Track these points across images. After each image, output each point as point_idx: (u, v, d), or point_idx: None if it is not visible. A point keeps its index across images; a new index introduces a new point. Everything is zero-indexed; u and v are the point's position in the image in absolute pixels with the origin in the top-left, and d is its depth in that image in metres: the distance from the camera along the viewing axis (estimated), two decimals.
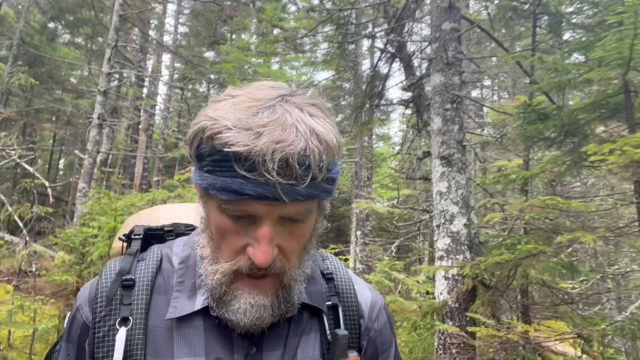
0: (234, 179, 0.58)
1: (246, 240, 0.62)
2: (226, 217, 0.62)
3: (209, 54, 18.71)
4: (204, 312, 0.69)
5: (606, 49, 2.66)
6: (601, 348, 2.90)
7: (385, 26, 6.53)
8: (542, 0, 3.85)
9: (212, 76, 16.52)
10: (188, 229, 0.90)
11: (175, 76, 15.42)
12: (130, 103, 13.01)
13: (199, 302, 0.69)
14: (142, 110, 13.09)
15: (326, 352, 0.74)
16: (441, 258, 4.15)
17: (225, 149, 0.56)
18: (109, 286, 0.72)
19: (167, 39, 16.79)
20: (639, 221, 2.93)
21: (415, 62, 6.76)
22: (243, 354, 0.69)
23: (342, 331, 0.73)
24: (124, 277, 0.72)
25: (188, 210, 1.03)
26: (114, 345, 0.67)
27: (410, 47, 6.66)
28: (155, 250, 0.79)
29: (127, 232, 0.88)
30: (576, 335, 2.60)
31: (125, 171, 14.60)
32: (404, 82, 6.18)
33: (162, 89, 16.27)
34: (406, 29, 6.59)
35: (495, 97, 20.60)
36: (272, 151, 0.55)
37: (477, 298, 3.84)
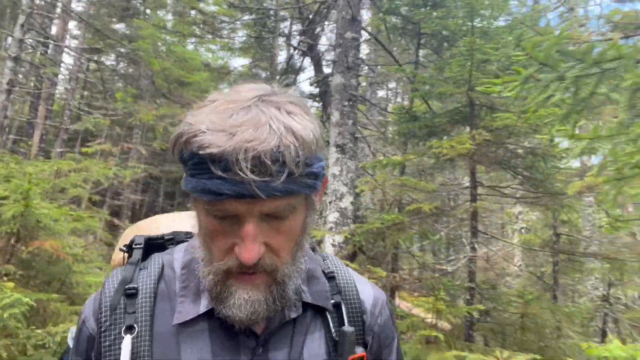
0: (212, 180, 0.59)
1: (233, 240, 0.64)
2: (212, 218, 0.64)
3: (119, 26, 17.99)
4: (209, 314, 0.70)
5: (453, 71, 3.60)
6: (442, 294, 3.90)
7: (300, 26, 7.24)
8: (421, 25, 4.80)
9: (122, 50, 15.98)
10: (188, 237, 0.89)
11: (81, 45, 14.74)
12: (31, 70, 12.29)
13: (203, 305, 0.70)
14: (44, 79, 12.44)
15: (332, 350, 0.75)
16: (330, 229, 4.98)
17: (200, 152, 0.58)
18: (112, 296, 0.73)
19: (75, 5, 15.92)
20: (469, 201, 3.97)
21: (325, 61, 7.57)
22: (249, 354, 0.70)
23: (349, 328, 0.75)
24: (127, 286, 0.73)
25: (187, 218, 0.99)
26: (120, 353, 0.68)
27: (321, 48, 7.45)
28: (156, 258, 0.79)
29: (127, 242, 0.88)
30: (417, 280, 3.54)
31: (22, 140, 13.74)
32: (312, 79, 6.96)
33: (66, 58, 15.43)
34: (318, 30, 7.36)
35: (399, 99, 22.47)
36: (245, 150, 0.57)
37: (355, 262, 4.74)
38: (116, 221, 13.34)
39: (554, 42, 1.15)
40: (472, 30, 3.68)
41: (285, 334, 0.73)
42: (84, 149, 8.72)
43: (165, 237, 0.89)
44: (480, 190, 5.05)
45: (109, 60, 18.68)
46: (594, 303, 8.24)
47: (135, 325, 0.70)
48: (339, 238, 4.92)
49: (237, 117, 0.60)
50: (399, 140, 5.12)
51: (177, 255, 0.79)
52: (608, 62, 1.05)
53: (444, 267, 5.86)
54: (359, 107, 6.99)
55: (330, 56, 7.31)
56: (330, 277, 0.82)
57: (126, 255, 0.86)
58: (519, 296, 4.87)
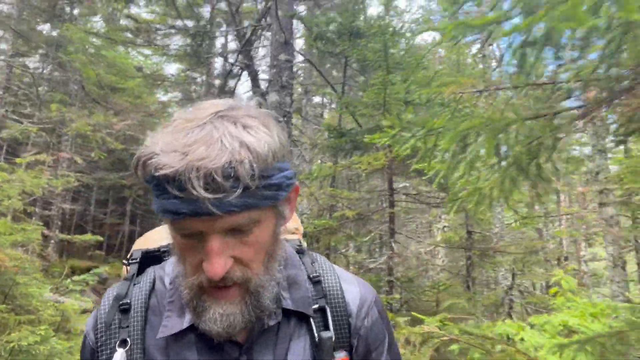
0: (170, 200, 0.61)
1: (200, 256, 0.65)
2: (179, 236, 0.66)
3: (44, 27, 17.22)
4: (195, 326, 0.71)
5: (370, 98, 4.26)
6: None
7: (237, 42, 7.67)
8: (347, 52, 5.45)
9: (46, 52, 15.33)
10: None
11: (7, 48, 14.11)
12: None
13: (187, 320, 0.73)
14: None
15: (315, 355, 0.75)
16: None
17: (156, 174, 0.60)
18: (107, 312, 0.77)
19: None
20: (388, 206, 4.65)
21: (261, 78, 8.06)
22: None
23: (326, 334, 0.76)
24: (121, 302, 0.77)
25: None
26: None
27: (259, 59, 7.94)
28: (149, 272, 0.82)
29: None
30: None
31: None
32: (249, 94, 7.43)
33: None
34: (255, 47, 7.83)
35: (333, 105, 23.39)
36: (196, 169, 0.57)
37: None
38: (46, 232, 12.91)
39: (411, 110, 1.72)
40: (386, 63, 4.35)
41: (268, 342, 0.75)
42: (19, 160, 8.53)
43: (162, 250, 0.93)
44: (402, 196, 5.79)
45: (33, 62, 17.80)
46: (504, 291, 9.39)
47: (128, 339, 0.74)
48: None
49: (191, 136, 0.61)
50: (329, 152, 5.74)
51: (167, 269, 0.81)
52: (437, 129, 1.67)
53: (369, 264, 6.62)
54: (296, 116, 7.56)
55: (267, 72, 7.81)
56: (316, 282, 0.82)
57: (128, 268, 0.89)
58: (433, 287, 5.65)
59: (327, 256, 5.96)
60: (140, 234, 1.08)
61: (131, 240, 16.54)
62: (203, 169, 0.58)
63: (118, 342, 0.74)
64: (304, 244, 0.96)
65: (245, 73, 8.05)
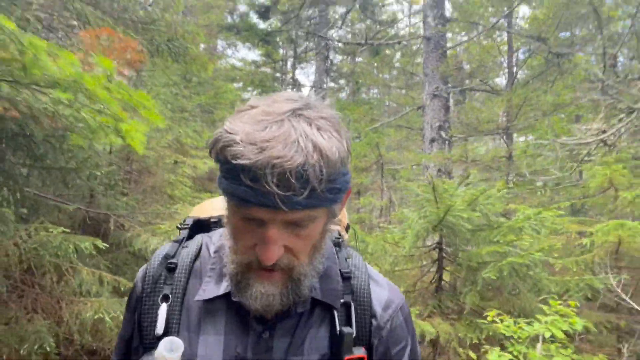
0: (240, 187, 0.65)
1: (255, 240, 0.71)
2: (239, 218, 0.71)
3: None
4: (227, 296, 0.80)
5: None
6: None
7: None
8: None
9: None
10: None
11: None
12: None
13: (222, 288, 0.81)
14: None
15: (333, 347, 0.81)
16: None
17: (233, 161, 0.63)
18: (156, 267, 0.86)
19: None
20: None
21: None
22: (256, 337, 0.79)
23: (348, 329, 0.80)
24: (169, 261, 0.86)
25: None
26: (156, 317, 0.81)
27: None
28: (197, 238, 0.91)
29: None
30: None
31: None
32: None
33: None
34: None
35: None
36: (272, 165, 0.60)
37: None
38: None
39: None
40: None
41: (290, 325, 0.80)
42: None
43: (212, 220, 1.00)
44: None
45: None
46: None
47: (170, 295, 0.82)
48: None
49: (269, 131, 0.63)
50: None
51: (214, 238, 0.89)
52: None
53: None
54: None
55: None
56: (346, 278, 0.86)
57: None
58: None
59: None
60: None
61: None
62: (279, 167, 0.61)
63: (161, 296, 0.83)
64: (346, 236, 1.06)
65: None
